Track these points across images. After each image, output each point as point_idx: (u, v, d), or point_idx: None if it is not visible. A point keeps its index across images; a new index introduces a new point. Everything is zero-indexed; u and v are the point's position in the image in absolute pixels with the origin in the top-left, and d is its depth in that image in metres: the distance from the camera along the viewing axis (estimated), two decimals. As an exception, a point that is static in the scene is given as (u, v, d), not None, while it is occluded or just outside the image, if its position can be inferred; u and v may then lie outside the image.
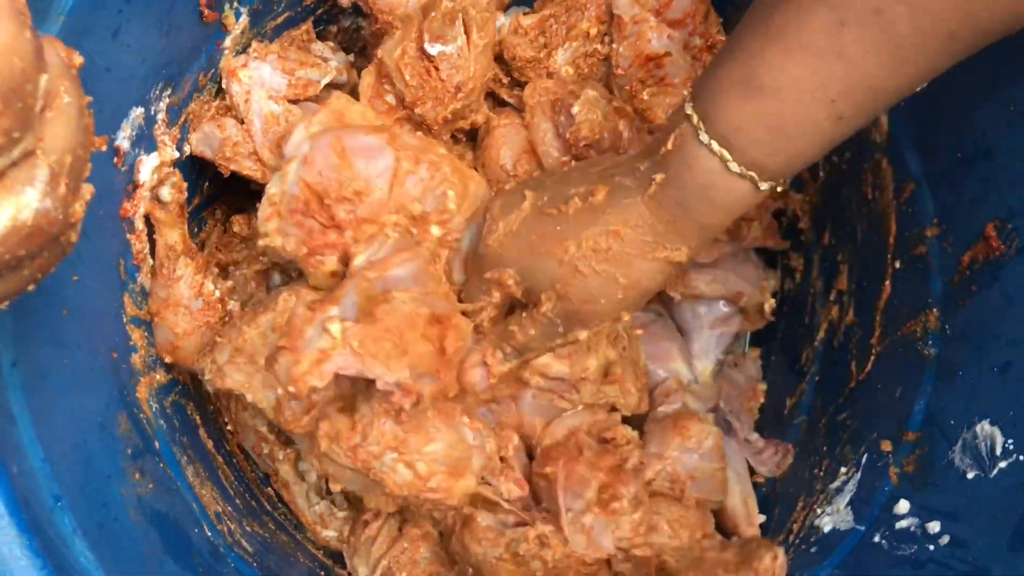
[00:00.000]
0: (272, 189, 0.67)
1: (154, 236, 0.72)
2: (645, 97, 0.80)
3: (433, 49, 0.72)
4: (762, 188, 0.56)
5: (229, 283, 0.76)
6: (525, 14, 0.84)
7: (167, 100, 0.71)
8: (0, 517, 0.48)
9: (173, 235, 0.72)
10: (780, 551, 0.71)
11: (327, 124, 0.68)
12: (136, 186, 0.69)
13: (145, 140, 0.69)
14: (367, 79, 0.76)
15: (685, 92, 0.59)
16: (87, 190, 0.44)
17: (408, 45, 0.73)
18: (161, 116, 0.70)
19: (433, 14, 0.72)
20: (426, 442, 0.66)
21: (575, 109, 0.75)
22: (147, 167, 0.69)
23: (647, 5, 0.81)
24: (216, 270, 0.76)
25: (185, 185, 0.72)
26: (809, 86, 0.51)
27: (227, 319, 0.74)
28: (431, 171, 0.68)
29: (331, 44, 0.83)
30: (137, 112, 0.67)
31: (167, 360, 0.72)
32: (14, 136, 0.37)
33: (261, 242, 0.67)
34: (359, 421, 0.65)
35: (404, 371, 0.62)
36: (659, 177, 0.59)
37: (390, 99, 0.75)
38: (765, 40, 0.52)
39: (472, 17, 0.73)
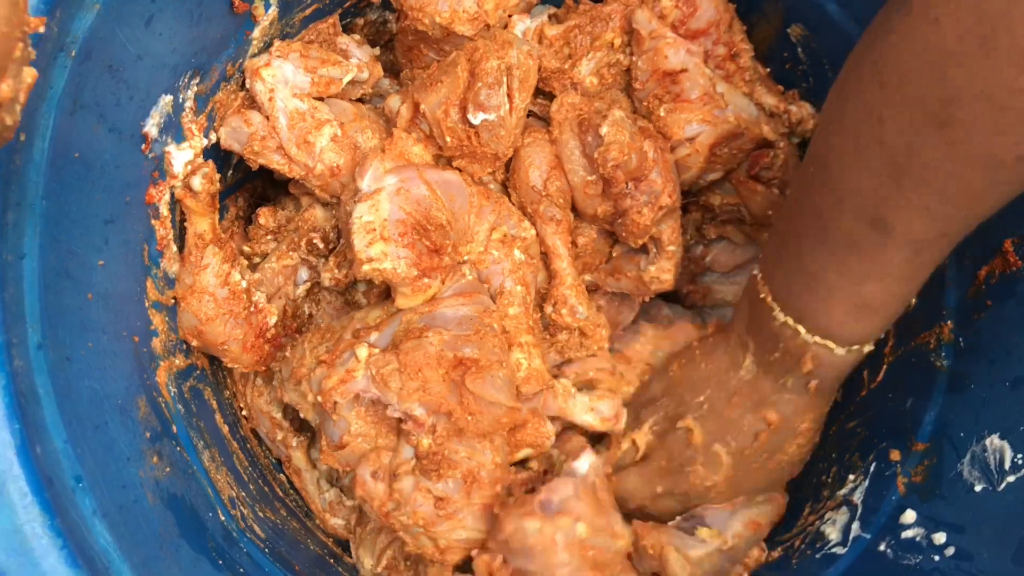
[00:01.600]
0: (366, 217, 0.68)
1: (182, 223, 0.73)
2: (662, 114, 0.81)
3: (476, 119, 0.73)
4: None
5: (256, 275, 0.77)
6: (550, 17, 0.84)
7: (195, 89, 0.71)
8: (24, 496, 0.49)
9: (203, 224, 0.73)
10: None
11: (395, 160, 0.72)
12: (169, 175, 0.70)
13: (173, 128, 0.70)
14: (404, 113, 0.76)
15: (790, 322, 0.69)
16: (28, 74, 0.42)
17: (451, 108, 0.74)
18: (189, 104, 0.71)
19: (479, 85, 0.72)
20: (454, 530, 0.71)
21: (604, 130, 0.75)
22: (180, 159, 0.70)
23: (670, 16, 0.81)
24: (244, 261, 0.77)
25: (217, 176, 0.73)
26: (905, 291, 0.64)
27: (252, 309, 0.75)
28: (496, 206, 0.76)
29: (357, 37, 0.84)
30: (166, 100, 0.68)
31: (192, 343, 0.74)
32: None
33: (365, 267, 0.69)
34: (396, 491, 0.70)
35: (415, 404, 0.68)
36: (812, 384, 0.72)
37: (424, 127, 0.76)
38: (856, 278, 0.63)
39: (515, 76, 0.74)
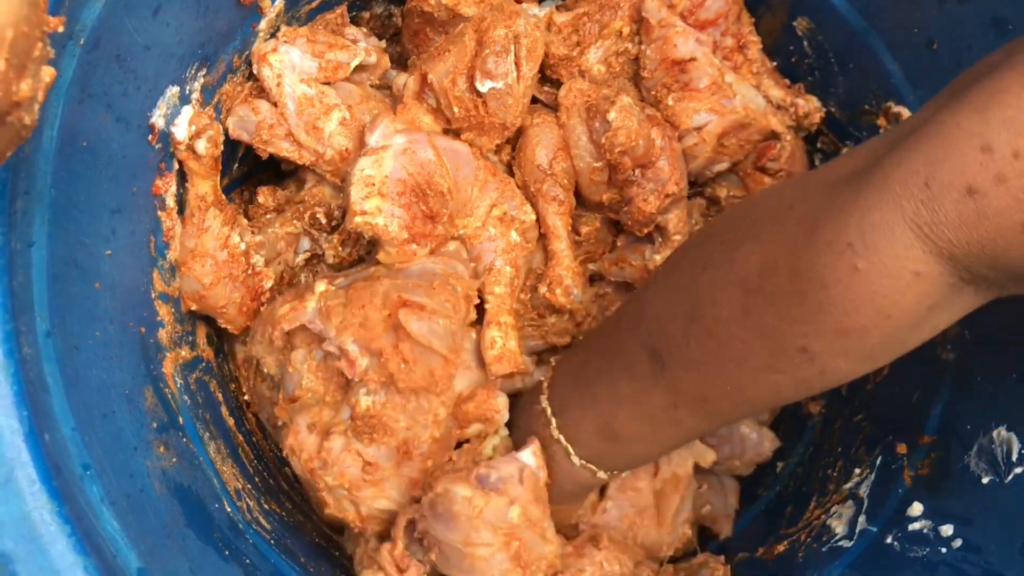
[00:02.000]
0: (368, 171, 0.68)
1: (186, 184, 0.73)
2: (670, 102, 0.81)
3: (484, 87, 0.73)
4: (624, 475, 0.75)
5: (258, 238, 0.76)
6: (558, 8, 0.84)
7: (202, 80, 0.71)
8: (32, 483, 0.49)
9: (205, 186, 0.72)
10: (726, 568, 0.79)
11: (406, 123, 0.72)
12: (173, 141, 0.70)
13: (179, 118, 0.70)
14: (411, 86, 0.76)
15: (547, 411, 0.72)
16: (46, 72, 0.42)
17: (459, 77, 0.73)
18: (195, 96, 0.71)
19: (487, 52, 0.72)
20: (377, 498, 0.71)
21: (611, 115, 0.75)
22: (183, 120, 0.70)
23: (679, 5, 0.81)
24: (245, 221, 0.77)
25: (222, 139, 0.72)
26: (651, 438, 0.66)
27: (249, 272, 0.75)
28: (501, 185, 0.76)
29: (364, 30, 0.84)
30: (173, 91, 0.68)
31: (192, 307, 0.74)
32: None
33: (357, 219, 0.68)
34: (326, 448, 0.70)
35: (349, 339, 0.68)
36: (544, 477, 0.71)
37: (431, 102, 0.76)
38: (617, 400, 0.65)
39: (523, 45, 0.73)
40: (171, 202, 0.71)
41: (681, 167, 0.79)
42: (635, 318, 0.65)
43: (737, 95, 0.80)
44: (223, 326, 0.76)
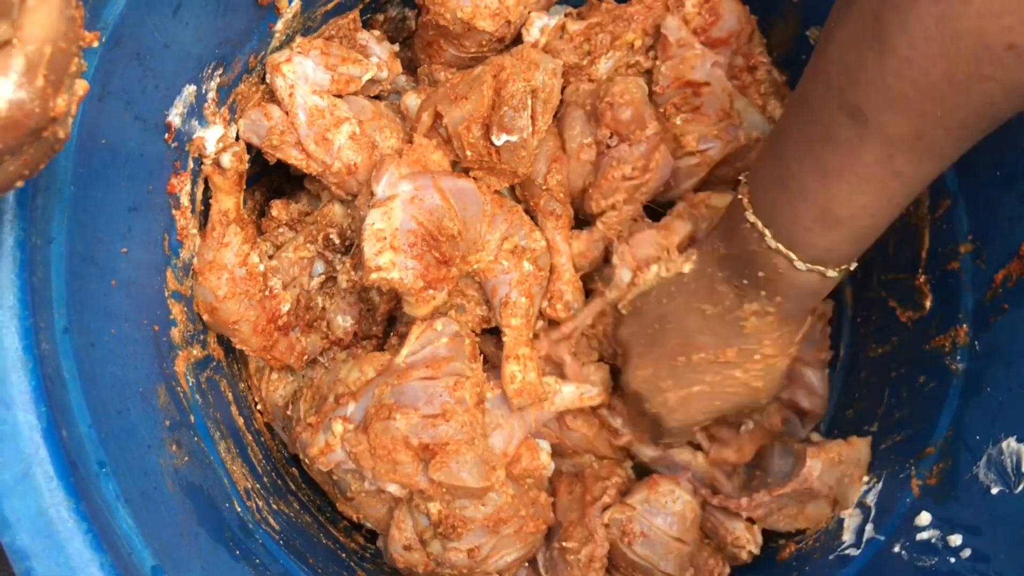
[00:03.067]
0: (378, 224, 0.69)
1: (203, 212, 0.73)
2: (678, 122, 0.81)
3: (499, 140, 0.73)
4: (851, 268, 0.65)
5: (273, 263, 0.77)
6: (567, 15, 0.84)
7: (218, 79, 0.72)
8: (49, 479, 0.49)
9: (228, 202, 0.73)
10: None
11: (413, 166, 0.72)
12: (202, 156, 0.72)
13: (195, 117, 0.70)
14: (425, 121, 0.76)
15: (758, 225, 0.64)
16: (80, 86, 0.42)
17: (474, 125, 0.74)
18: (211, 95, 0.71)
19: (505, 108, 0.72)
20: (498, 561, 0.76)
21: (616, 83, 0.76)
22: (212, 137, 0.71)
23: (692, 22, 0.82)
24: (264, 246, 0.78)
25: (247, 156, 0.73)
26: (875, 205, 0.59)
27: (266, 293, 0.75)
28: (508, 215, 0.76)
29: (376, 33, 0.84)
30: (190, 90, 0.68)
31: (205, 318, 0.74)
32: None
33: (373, 276, 0.69)
34: (431, 555, 0.76)
35: (388, 483, 0.72)
36: (770, 306, 0.67)
37: (443, 132, 0.77)
38: (828, 178, 0.59)
39: (540, 99, 0.74)
40: (185, 201, 0.71)
41: (652, 167, 0.79)
42: (823, 86, 0.58)
43: (744, 123, 0.81)
44: (237, 346, 0.77)
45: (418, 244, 0.70)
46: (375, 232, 0.69)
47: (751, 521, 0.81)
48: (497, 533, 0.74)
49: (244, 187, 0.74)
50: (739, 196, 0.66)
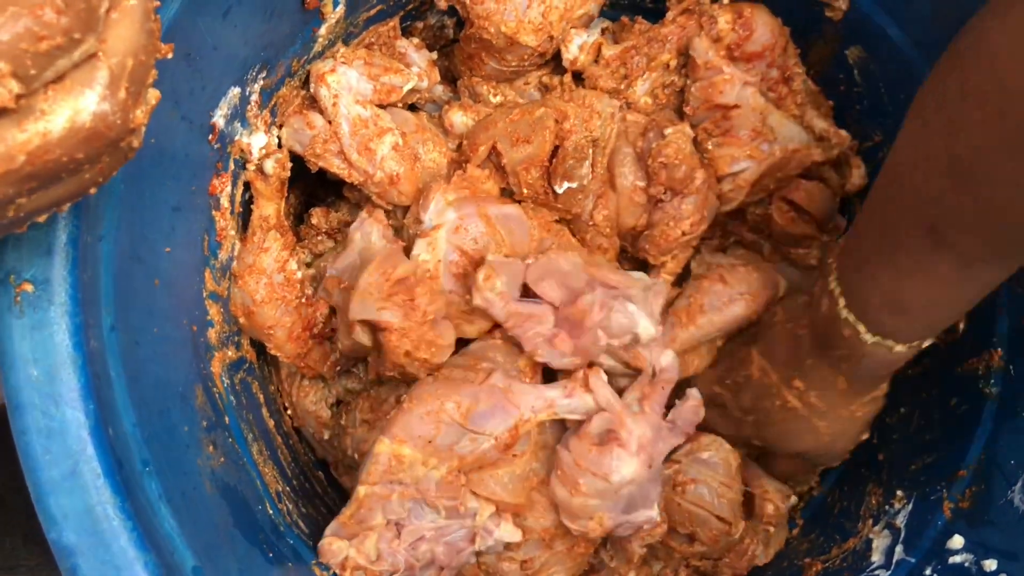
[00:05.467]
0: (423, 256, 0.70)
1: (242, 213, 0.74)
2: (710, 147, 0.81)
3: (561, 188, 0.75)
4: (925, 345, 0.67)
5: (311, 271, 0.77)
6: (604, 31, 0.85)
7: (261, 82, 0.72)
8: (97, 477, 0.49)
9: (269, 208, 0.74)
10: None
11: (460, 191, 0.73)
12: (246, 161, 0.73)
13: (238, 119, 0.71)
14: (482, 152, 0.76)
15: (838, 296, 0.68)
16: (152, 95, 0.43)
17: (533, 168, 0.75)
18: (255, 98, 0.72)
19: (568, 161, 0.73)
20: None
21: (668, 131, 0.76)
22: (256, 144, 0.72)
23: (726, 38, 0.82)
24: (304, 252, 0.78)
25: (290, 164, 0.74)
26: (947, 302, 0.62)
27: (303, 299, 0.75)
28: (557, 238, 0.77)
29: (416, 41, 0.84)
30: (234, 92, 0.69)
31: (241, 322, 0.74)
32: (75, 37, 0.36)
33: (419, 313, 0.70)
34: (484, 563, 0.77)
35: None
36: (845, 367, 0.70)
37: (496, 159, 0.78)
38: (900, 275, 0.62)
39: (600, 148, 0.75)
40: (225, 202, 0.71)
41: (705, 215, 0.80)
42: (897, 206, 0.61)
43: (778, 138, 0.81)
44: (271, 352, 0.77)
45: (459, 276, 0.71)
46: (420, 264, 0.70)
47: None
48: (551, 548, 0.74)
49: (285, 194, 0.75)
50: (829, 260, 0.69)
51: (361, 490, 0.70)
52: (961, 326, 0.79)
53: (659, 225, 0.80)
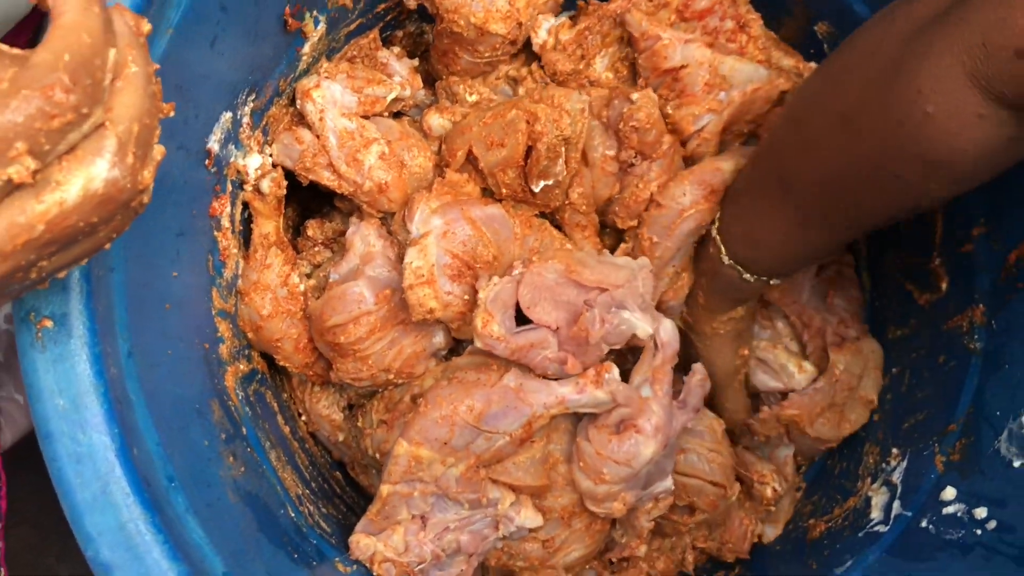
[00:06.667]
0: (416, 263, 0.72)
1: (243, 232, 0.77)
2: (670, 111, 0.83)
3: (537, 187, 0.77)
4: (772, 283, 0.79)
5: (312, 282, 0.80)
6: (561, 21, 0.87)
7: (251, 104, 0.75)
8: (126, 496, 0.53)
9: (268, 225, 0.77)
10: None
11: (443, 197, 0.76)
12: (244, 182, 0.76)
13: (231, 142, 0.74)
14: (460, 157, 0.79)
15: (716, 219, 0.80)
16: (158, 152, 0.46)
17: (509, 169, 0.77)
18: (246, 120, 0.74)
19: (543, 162, 0.76)
20: (568, 555, 0.81)
21: (635, 96, 0.78)
22: (252, 165, 0.75)
23: (673, 2, 0.84)
24: (304, 264, 0.81)
25: (285, 183, 0.77)
26: (788, 248, 0.74)
27: (306, 310, 0.79)
28: (539, 233, 0.79)
29: (396, 50, 0.87)
30: (226, 116, 0.71)
31: (250, 336, 0.78)
32: (83, 112, 0.39)
33: (416, 316, 0.73)
34: (506, 544, 0.80)
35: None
36: (703, 282, 0.83)
37: (474, 161, 0.80)
38: (756, 214, 0.74)
39: (572, 144, 0.77)
40: (226, 222, 0.74)
41: (669, 176, 0.83)
42: (768, 147, 0.75)
43: (733, 85, 0.82)
44: (281, 363, 0.80)
45: (455, 277, 0.73)
46: (414, 271, 0.72)
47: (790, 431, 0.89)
48: (570, 526, 0.77)
49: (283, 211, 0.78)
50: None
51: (384, 489, 0.73)
52: (944, 285, 0.82)
53: (628, 188, 0.82)
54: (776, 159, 0.72)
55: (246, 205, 0.77)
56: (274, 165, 0.79)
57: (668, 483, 0.78)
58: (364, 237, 0.78)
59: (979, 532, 0.70)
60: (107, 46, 0.41)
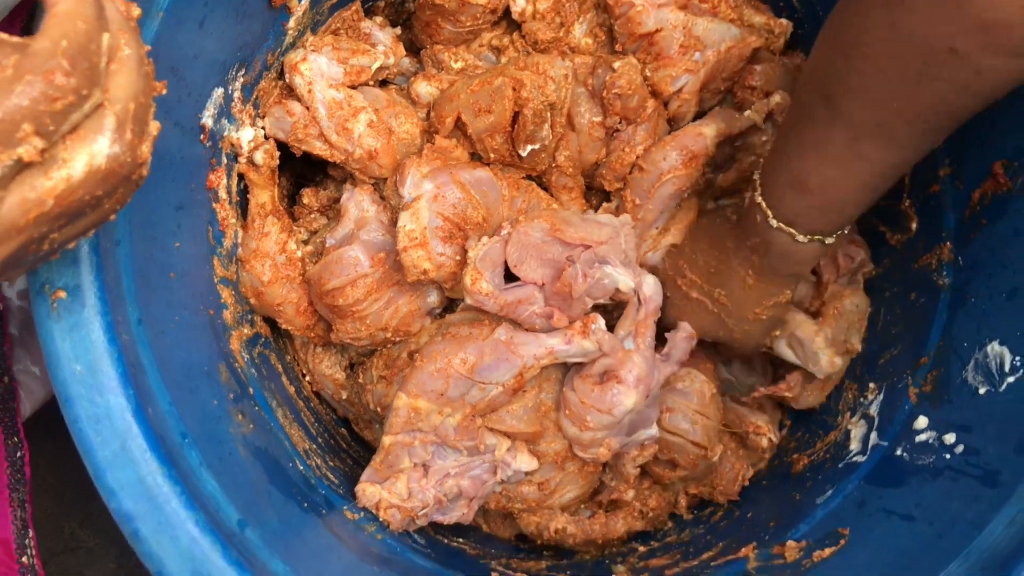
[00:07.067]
0: (409, 225, 0.75)
1: (240, 202, 0.80)
2: (648, 74, 0.86)
3: (524, 151, 0.80)
4: (828, 243, 0.74)
5: (309, 248, 0.83)
6: None
7: (241, 80, 0.78)
8: (144, 452, 0.57)
9: (263, 195, 0.81)
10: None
11: (433, 162, 0.79)
12: (238, 154, 0.80)
13: (224, 117, 0.77)
14: (448, 124, 0.82)
15: (757, 185, 0.75)
16: (154, 127, 0.49)
17: (497, 135, 0.80)
18: (237, 95, 0.78)
19: (529, 128, 0.79)
20: (562, 496, 0.86)
21: (617, 64, 0.81)
22: (245, 138, 0.79)
23: None
24: (300, 233, 0.85)
25: (277, 153, 0.81)
26: (842, 181, 0.68)
27: (302, 275, 0.83)
28: (526, 195, 0.83)
29: (379, 19, 0.90)
30: (218, 93, 0.75)
31: (252, 302, 0.82)
32: (83, 93, 0.42)
33: (411, 277, 0.76)
34: (505, 488, 0.84)
35: None
36: (755, 260, 0.78)
37: (462, 126, 0.83)
38: (802, 150, 0.68)
39: (557, 110, 0.80)
40: (223, 194, 0.78)
41: (654, 139, 0.86)
42: (807, 75, 0.68)
43: (707, 45, 0.85)
44: (283, 327, 0.84)
45: (447, 238, 0.77)
46: (407, 234, 0.75)
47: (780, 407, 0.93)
48: (563, 469, 0.82)
49: (277, 181, 0.81)
50: (754, 176, 0.76)
51: (386, 440, 0.78)
52: (914, 225, 0.86)
53: (615, 152, 0.86)
54: (818, 77, 0.65)
55: (241, 177, 0.81)
56: (267, 137, 0.82)
57: (653, 431, 0.82)
58: (358, 203, 0.82)
59: (948, 456, 0.74)
60: (101, 31, 0.44)
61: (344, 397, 0.88)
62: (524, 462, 0.81)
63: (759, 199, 0.74)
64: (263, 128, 0.82)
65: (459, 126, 0.82)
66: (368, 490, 0.79)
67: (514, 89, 0.78)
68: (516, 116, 0.79)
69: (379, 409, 0.83)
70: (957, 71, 0.55)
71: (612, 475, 0.87)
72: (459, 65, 0.89)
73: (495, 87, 0.79)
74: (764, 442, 0.91)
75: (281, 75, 0.83)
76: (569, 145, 0.84)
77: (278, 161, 0.81)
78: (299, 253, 0.82)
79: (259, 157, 0.79)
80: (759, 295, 0.80)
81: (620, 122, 0.85)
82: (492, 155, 0.82)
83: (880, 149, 0.64)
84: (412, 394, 0.76)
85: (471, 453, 0.79)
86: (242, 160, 0.79)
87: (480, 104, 0.79)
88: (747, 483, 0.93)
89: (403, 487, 0.79)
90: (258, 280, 0.80)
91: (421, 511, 0.79)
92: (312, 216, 0.88)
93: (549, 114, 0.79)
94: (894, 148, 0.64)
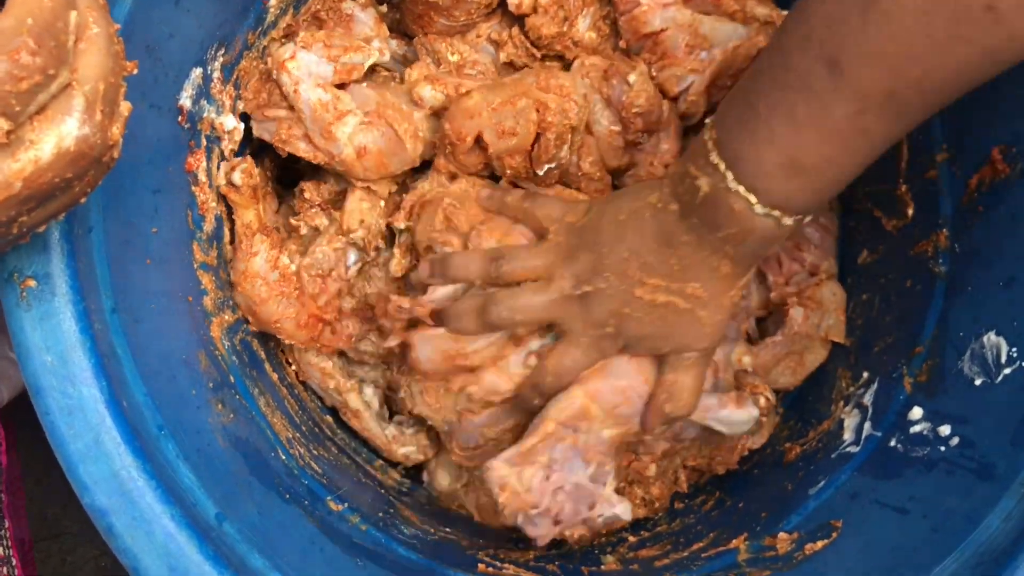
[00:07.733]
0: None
1: (230, 212, 0.81)
2: (654, 74, 0.84)
3: (542, 171, 0.79)
4: (806, 220, 0.67)
5: (307, 260, 0.81)
6: None
7: (221, 59, 0.76)
8: (118, 445, 0.55)
9: (248, 215, 0.80)
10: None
11: (493, 233, 0.78)
12: (221, 140, 0.78)
13: (204, 98, 0.75)
14: (467, 143, 0.80)
15: (720, 167, 0.64)
16: (125, 108, 0.48)
17: (518, 156, 0.79)
18: (216, 75, 0.75)
19: (552, 151, 0.78)
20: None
21: (632, 78, 0.80)
22: (228, 124, 0.78)
23: None
24: (293, 246, 0.83)
25: (256, 171, 0.80)
26: (841, 160, 0.61)
27: (302, 289, 0.82)
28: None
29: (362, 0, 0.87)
30: (196, 73, 0.72)
31: (249, 319, 0.81)
32: (50, 73, 0.41)
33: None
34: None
35: None
36: (729, 249, 0.68)
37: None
38: (797, 126, 0.60)
39: (577, 131, 0.79)
40: (202, 176, 0.76)
41: (679, 144, 0.84)
42: (803, 35, 0.58)
43: (713, 44, 0.83)
44: (286, 341, 0.83)
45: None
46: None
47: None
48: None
49: (260, 199, 0.80)
50: (704, 137, 0.66)
51: (550, 425, 0.75)
52: (910, 211, 0.84)
53: (643, 164, 0.84)
54: (820, 39, 0.57)
55: (223, 157, 0.79)
56: (249, 129, 0.80)
57: None
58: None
59: (943, 448, 0.73)
60: (67, 9, 0.42)
61: (332, 387, 0.87)
62: (625, 510, 0.79)
63: (734, 185, 0.64)
64: (243, 114, 0.80)
65: (478, 143, 0.80)
66: (502, 470, 0.75)
67: (537, 111, 0.76)
68: (536, 136, 0.78)
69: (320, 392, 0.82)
70: (990, 32, 0.51)
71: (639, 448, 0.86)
72: (455, 59, 0.86)
73: (519, 109, 0.77)
74: (761, 401, 0.89)
75: (263, 56, 0.81)
76: (591, 151, 0.83)
77: (257, 179, 0.80)
78: (293, 267, 0.81)
79: (237, 178, 0.78)
80: (734, 279, 0.71)
81: (642, 135, 0.83)
82: (508, 172, 0.81)
83: (885, 123, 0.58)
84: (589, 394, 0.75)
85: (593, 478, 0.77)
86: (221, 185, 0.78)
87: (503, 126, 0.78)
88: (746, 452, 0.91)
89: (529, 479, 0.76)
90: (252, 300, 0.79)
91: (532, 509, 0.76)
92: (313, 211, 0.86)
93: (569, 136, 0.78)
94: (897, 120, 0.58)
